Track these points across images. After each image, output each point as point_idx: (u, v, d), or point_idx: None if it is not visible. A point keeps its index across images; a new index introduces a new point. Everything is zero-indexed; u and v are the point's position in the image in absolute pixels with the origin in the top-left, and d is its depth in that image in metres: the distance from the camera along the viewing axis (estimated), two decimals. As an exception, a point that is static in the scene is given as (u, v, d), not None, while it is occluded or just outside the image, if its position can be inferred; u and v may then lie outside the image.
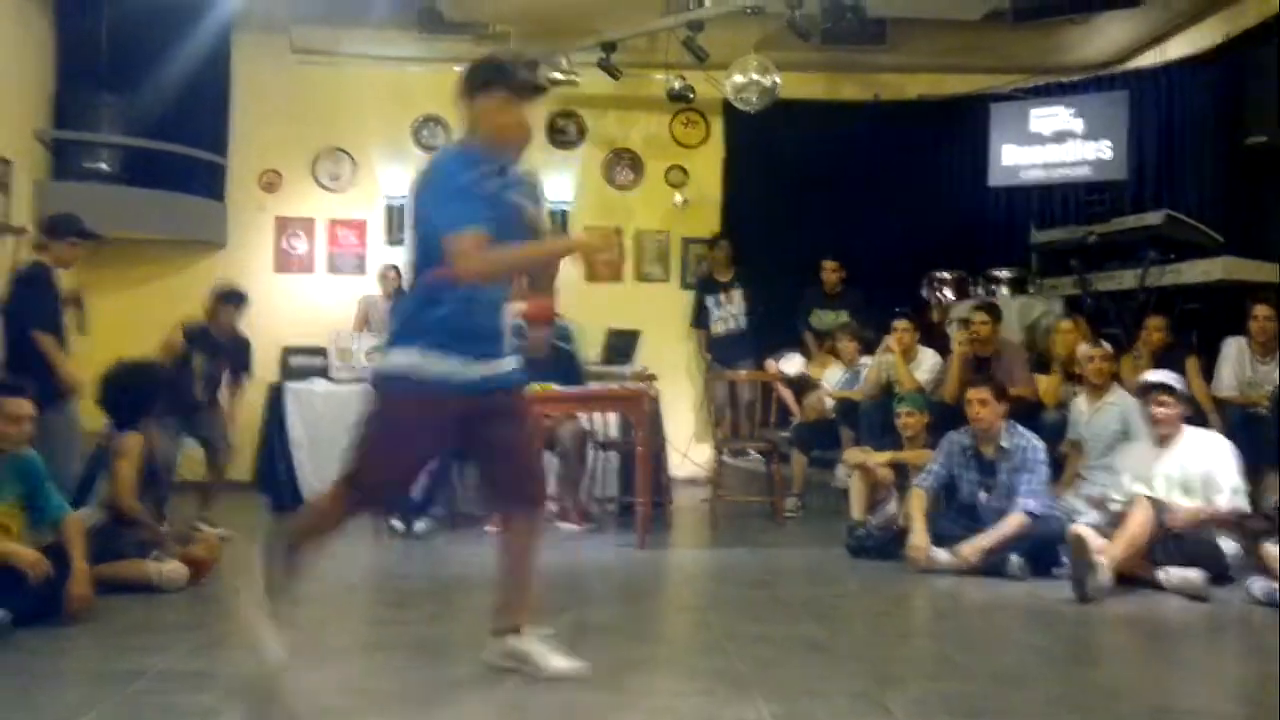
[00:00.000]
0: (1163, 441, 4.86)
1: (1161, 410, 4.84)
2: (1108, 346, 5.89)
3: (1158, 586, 4.60)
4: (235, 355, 6.42)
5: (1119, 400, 5.61)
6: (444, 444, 3.36)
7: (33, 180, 7.96)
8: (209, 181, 8.92)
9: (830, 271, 8.29)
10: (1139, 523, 4.61)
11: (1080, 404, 5.82)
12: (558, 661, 3.19)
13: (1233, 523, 4.71)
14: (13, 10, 7.70)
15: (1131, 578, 4.63)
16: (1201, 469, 4.78)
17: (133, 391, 5.00)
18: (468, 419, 3.09)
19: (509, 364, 3.21)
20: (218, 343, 6.31)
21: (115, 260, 7.97)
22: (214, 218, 8.97)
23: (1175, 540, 4.65)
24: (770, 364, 8.00)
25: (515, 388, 3.26)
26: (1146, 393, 4.92)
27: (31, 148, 7.98)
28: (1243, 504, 4.71)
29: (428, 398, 3.02)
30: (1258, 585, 4.39)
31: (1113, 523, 4.81)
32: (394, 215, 9.18)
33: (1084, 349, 5.94)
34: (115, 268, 8.28)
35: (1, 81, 7.30)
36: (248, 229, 9.14)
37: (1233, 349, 6.10)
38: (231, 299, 6.39)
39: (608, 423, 7.00)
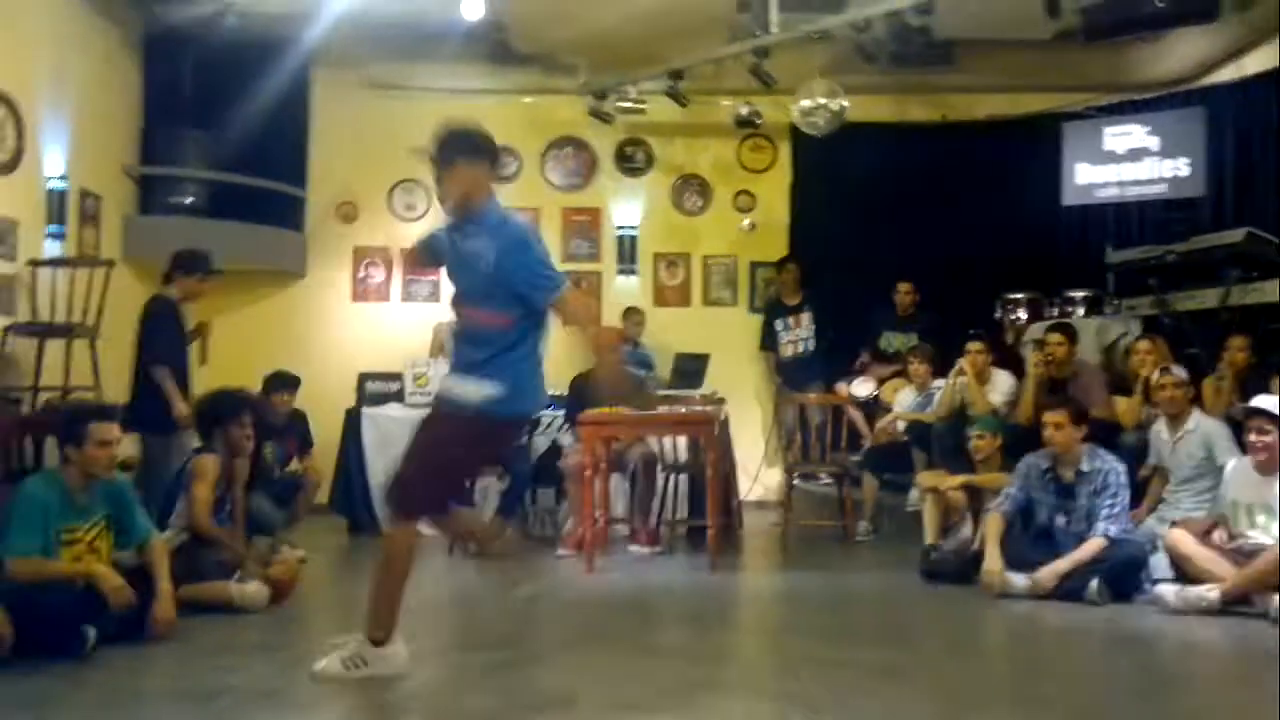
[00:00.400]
0: (1263, 469, 4.72)
1: (1261, 439, 4.69)
2: (1179, 373, 5.69)
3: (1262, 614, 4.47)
4: (298, 431, 6.54)
5: (1199, 426, 5.44)
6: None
7: (121, 214, 8.24)
8: (289, 213, 9.16)
9: (905, 294, 8.24)
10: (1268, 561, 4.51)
11: (1161, 431, 5.65)
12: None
13: None
14: (103, 51, 8.01)
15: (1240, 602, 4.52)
16: None
17: (213, 410, 5.16)
18: None
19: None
20: (275, 426, 6.42)
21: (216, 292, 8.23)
22: (294, 248, 9.20)
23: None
24: (841, 387, 7.96)
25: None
26: (1247, 419, 4.78)
27: (120, 182, 8.26)
28: None
29: None
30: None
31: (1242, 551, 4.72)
32: (466, 243, 9.32)
33: (1155, 377, 5.79)
34: (201, 299, 8.53)
35: (91, 119, 7.58)
36: (326, 259, 9.35)
37: (1320, 368, 5.92)
38: (284, 385, 6.50)
39: (677, 446, 7.02)
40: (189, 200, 8.51)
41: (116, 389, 6.18)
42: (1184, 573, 4.74)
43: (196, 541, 4.81)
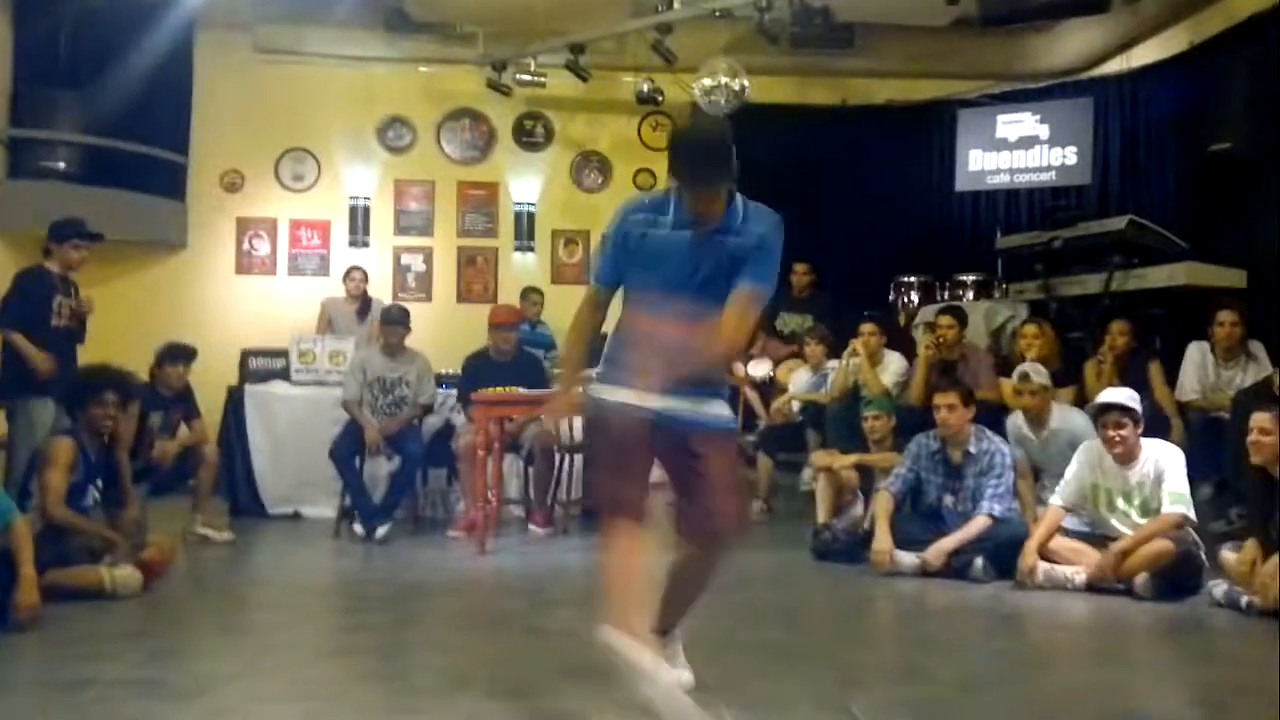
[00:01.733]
0: (1121, 460, 4.84)
1: (1118, 433, 4.79)
2: (1038, 378, 5.53)
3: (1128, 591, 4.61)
4: (186, 405, 6.29)
5: (1066, 423, 5.48)
6: None
7: (-12, 178, 7.83)
8: (169, 181, 8.80)
9: (800, 275, 8.27)
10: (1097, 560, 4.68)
11: (1023, 427, 5.57)
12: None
13: (1177, 529, 4.66)
14: (-32, 5, 7.57)
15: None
16: (1155, 482, 4.75)
17: (73, 388, 4.89)
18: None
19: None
20: (168, 400, 6.17)
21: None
22: (174, 218, 8.85)
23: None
24: (739, 367, 7.96)
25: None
26: (1102, 414, 4.87)
27: (-13, 145, 7.85)
28: (1183, 510, 4.67)
29: None
30: (1219, 589, 4.40)
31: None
32: (358, 216, 9.09)
33: (1014, 381, 5.69)
34: (82, 266, 8.15)
35: (-44, 77, 7.17)
36: (208, 230, 9.02)
37: (1196, 354, 6.12)
38: (180, 357, 6.24)
39: (573, 426, 6.94)
40: (61, 165, 8.13)
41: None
42: (1050, 559, 4.86)
43: (56, 525, 4.56)
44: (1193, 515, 4.68)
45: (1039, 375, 5.58)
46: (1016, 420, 5.62)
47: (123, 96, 8.15)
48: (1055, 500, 4.99)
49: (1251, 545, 4.33)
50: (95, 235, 6.00)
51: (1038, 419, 5.53)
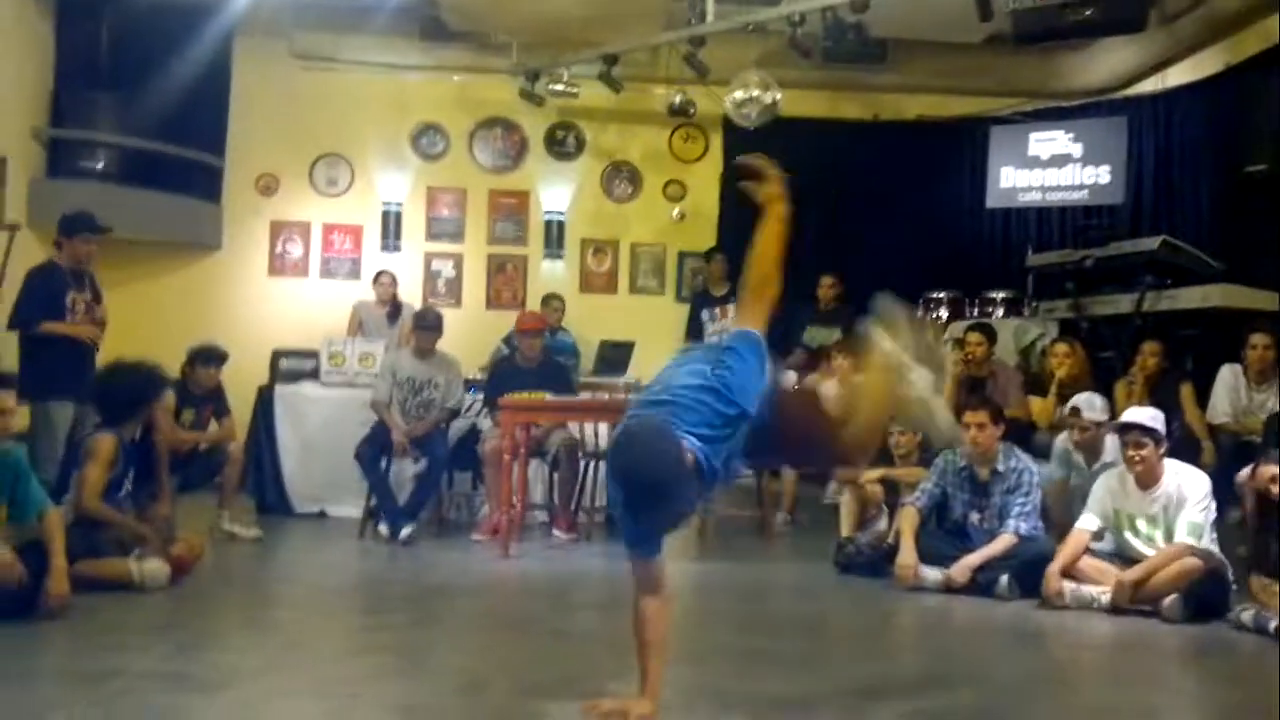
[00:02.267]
0: (1142, 481, 4.79)
1: (1139, 454, 4.73)
2: (1092, 414, 5.33)
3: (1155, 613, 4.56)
4: (217, 403, 6.37)
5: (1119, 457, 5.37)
6: None
7: (28, 178, 7.94)
8: (205, 184, 8.91)
9: (827, 287, 8.26)
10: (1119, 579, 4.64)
11: (1074, 455, 5.46)
12: None
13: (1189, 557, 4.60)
14: (13, 7, 7.70)
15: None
16: (1176, 506, 4.70)
17: (124, 390, 4.95)
18: None
19: None
20: (199, 398, 6.25)
21: (108, 260, 7.91)
22: (209, 220, 8.95)
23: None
24: (764, 380, 7.96)
25: None
26: (1123, 433, 4.83)
27: (27, 145, 7.96)
28: (1192, 542, 4.61)
29: None
30: (1246, 613, 4.35)
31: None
32: (390, 221, 9.16)
33: (1067, 414, 5.52)
34: (108, 268, 8.20)
35: (-1, 78, 7.29)
36: (243, 232, 9.12)
37: (1228, 376, 6.07)
38: (212, 360, 6.30)
39: (599, 433, 6.96)
40: (100, 165, 8.24)
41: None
42: (1075, 579, 4.82)
43: (91, 520, 4.63)
44: (1204, 547, 4.60)
45: (1092, 411, 5.39)
46: (1067, 444, 5.49)
47: (162, 100, 8.26)
48: (1081, 524, 4.95)
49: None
50: (104, 228, 6.00)
51: (1090, 450, 5.40)
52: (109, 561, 4.50)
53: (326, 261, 9.20)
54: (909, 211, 9.08)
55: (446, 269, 9.34)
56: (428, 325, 6.70)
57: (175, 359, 6.12)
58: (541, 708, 3.02)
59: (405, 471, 6.72)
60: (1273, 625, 4.17)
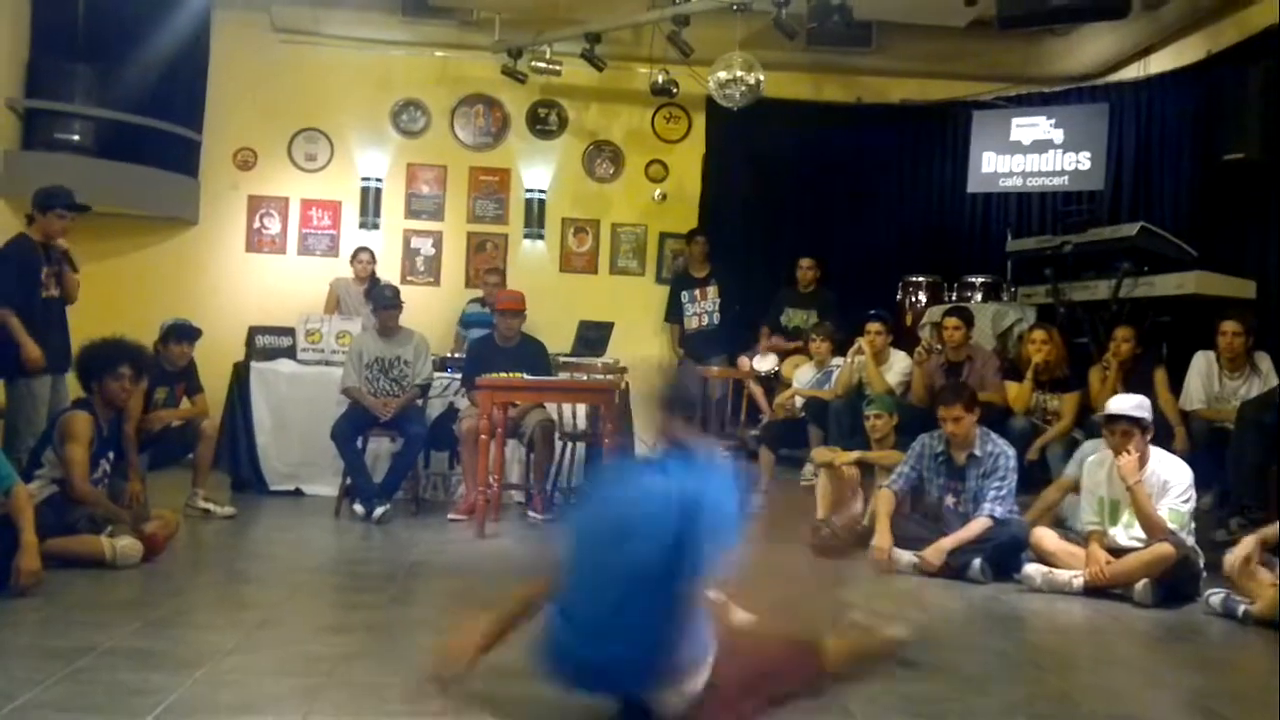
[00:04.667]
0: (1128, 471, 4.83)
1: (1127, 443, 4.72)
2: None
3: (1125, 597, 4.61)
4: (189, 379, 6.32)
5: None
6: None
7: (2, 149, 7.84)
8: (183, 157, 8.80)
9: (806, 269, 8.27)
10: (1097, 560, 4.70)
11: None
12: None
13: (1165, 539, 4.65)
14: (-14, -25, 7.59)
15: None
16: (1159, 495, 4.74)
17: (89, 362, 4.91)
18: None
19: None
20: (172, 374, 6.20)
21: (83, 234, 7.82)
22: (186, 194, 8.86)
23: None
24: (744, 361, 7.98)
25: None
26: (1110, 423, 4.86)
27: (2, 116, 7.85)
28: (1176, 528, 4.63)
29: None
30: (1216, 597, 4.40)
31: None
32: (369, 197, 9.09)
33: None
34: (83, 241, 8.10)
35: (-27, 47, 7.18)
36: (220, 207, 9.03)
37: (1202, 363, 6.11)
38: (185, 336, 6.25)
39: (576, 414, 6.96)
40: (75, 138, 8.12)
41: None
42: (1049, 563, 4.86)
43: (65, 495, 4.59)
44: (1180, 537, 4.65)
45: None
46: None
47: (139, 72, 8.16)
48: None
49: (1247, 542, 4.36)
50: (82, 206, 5.91)
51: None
52: (81, 538, 4.48)
53: (304, 238, 9.13)
54: (890, 195, 9.08)
55: (426, 247, 9.28)
56: (386, 303, 6.66)
57: (149, 335, 6.06)
58: (517, 688, 3.01)
59: (381, 450, 6.71)
60: (1240, 610, 4.22)
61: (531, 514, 6.42)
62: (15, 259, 5.69)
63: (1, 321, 5.51)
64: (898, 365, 6.82)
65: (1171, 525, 4.64)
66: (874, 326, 6.79)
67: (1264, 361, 6.00)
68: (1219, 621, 4.29)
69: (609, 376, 6.72)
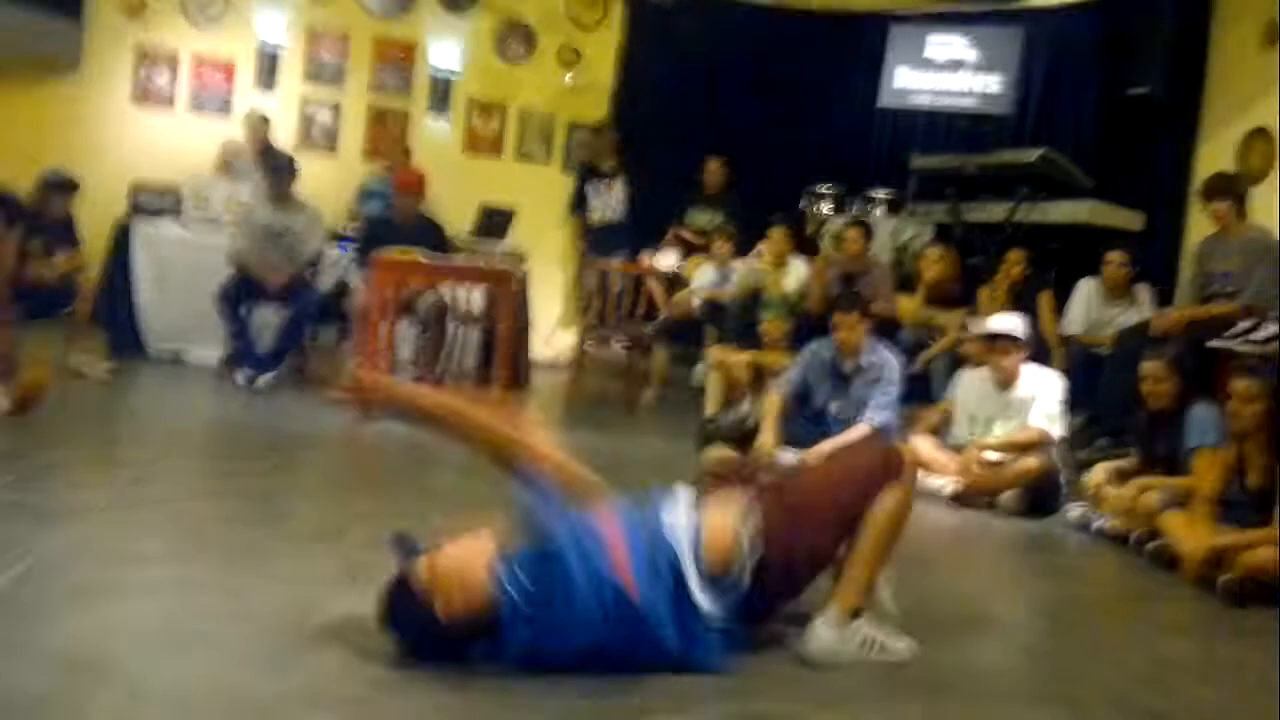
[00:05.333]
0: (1003, 385, 5.02)
1: (1004, 360, 4.94)
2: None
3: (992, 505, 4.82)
4: (66, 232, 6.03)
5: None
6: None
7: None
8: (64, -3, 8.24)
9: (713, 171, 8.22)
10: (970, 465, 4.90)
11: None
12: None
13: (1042, 445, 4.87)
14: None
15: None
16: (1030, 403, 4.95)
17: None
18: None
19: None
20: (49, 227, 5.89)
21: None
22: (67, 38, 8.31)
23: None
24: (645, 257, 7.96)
25: None
26: (990, 341, 5.03)
27: None
28: (1051, 429, 4.86)
29: None
30: (1074, 512, 4.62)
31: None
32: (265, 59, 8.68)
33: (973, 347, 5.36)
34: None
35: None
36: (104, 54, 8.50)
37: (1084, 290, 6.32)
38: (62, 188, 5.94)
39: (472, 298, 6.87)
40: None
41: None
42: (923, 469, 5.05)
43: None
44: (1057, 433, 4.87)
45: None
46: (976, 378, 5.18)
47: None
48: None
49: (1101, 469, 4.60)
50: None
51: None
52: (-56, 387, 4.28)
53: (195, 94, 8.68)
54: (802, 102, 9.04)
55: (323, 115, 8.94)
56: (280, 171, 6.44)
57: (25, 182, 5.76)
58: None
59: (267, 321, 6.53)
60: (1095, 525, 4.45)
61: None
62: None
63: None
64: (796, 272, 6.89)
65: (1044, 424, 4.84)
66: (776, 232, 6.83)
67: (1143, 293, 6.23)
68: (1076, 534, 4.51)
69: (508, 264, 6.63)
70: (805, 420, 5.46)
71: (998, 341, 4.96)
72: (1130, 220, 7.09)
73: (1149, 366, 4.44)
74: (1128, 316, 6.12)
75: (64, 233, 6.02)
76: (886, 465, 2.58)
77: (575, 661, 2.22)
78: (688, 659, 2.32)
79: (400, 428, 5.45)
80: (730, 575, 2.39)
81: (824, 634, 2.53)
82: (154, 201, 7.01)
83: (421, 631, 2.22)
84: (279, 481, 4.02)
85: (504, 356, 5.96)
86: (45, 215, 5.85)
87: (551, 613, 2.18)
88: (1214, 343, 5.24)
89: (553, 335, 8.51)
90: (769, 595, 2.50)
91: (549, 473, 2.38)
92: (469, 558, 2.24)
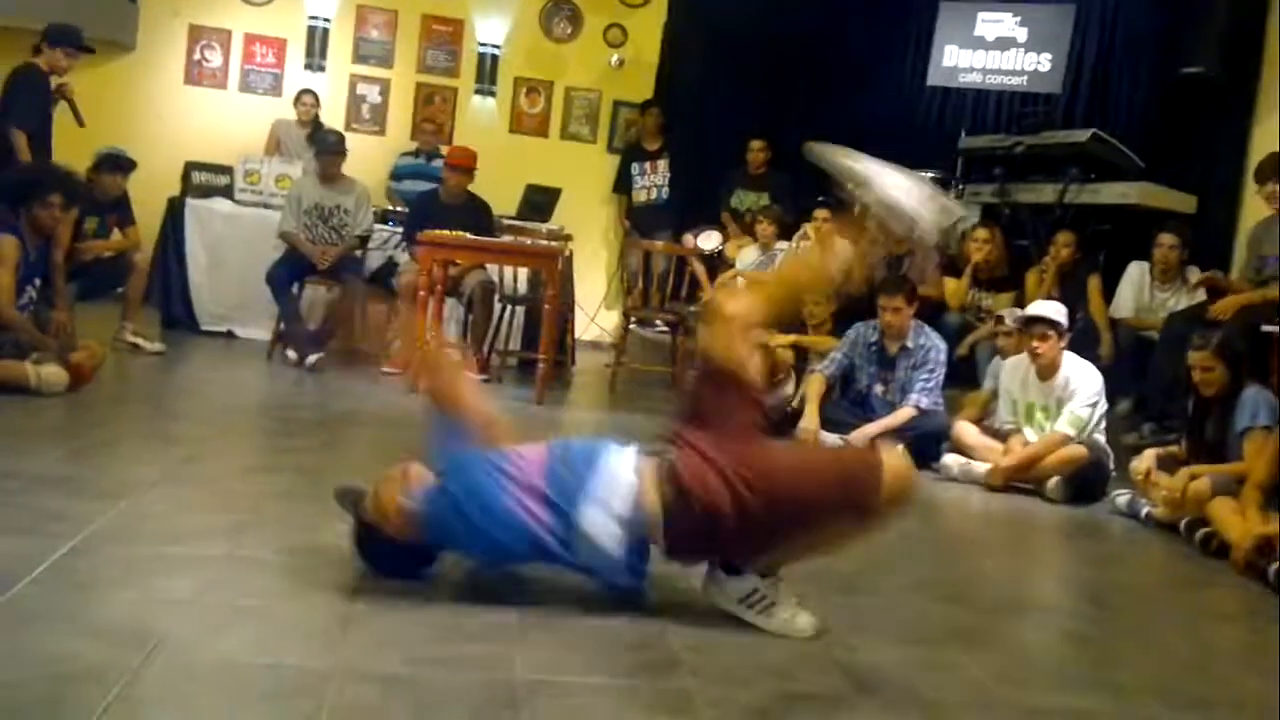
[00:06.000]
0: (1043, 373, 4.96)
1: (1041, 345, 4.86)
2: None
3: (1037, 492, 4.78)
4: (121, 211, 6.14)
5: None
6: None
7: (-75, -50, 7.38)
8: (120, -24, 8.37)
9: (757, 151, 8.19)
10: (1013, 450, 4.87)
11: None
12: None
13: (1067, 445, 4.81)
14: None
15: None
16: (1071, 394, 4.88)
17: (17, 188, 4.75)
18: None
19: None
20: (104, 205, 6.01)
21: (9, 51, 7.46)
22: (124, 17, 8.45)
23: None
24: (688, 238, 7.94)
25: None
26: (1028, 325, 4.96)
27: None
28: (1070, 431, 4.77)
29: None
30: (1122, 498, 4.58)
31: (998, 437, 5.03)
32: (316, 37, 8.76)
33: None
34: (9, 59, 7.75)
35: None
36: (159, 34, 8.64)
37: (1135, 273, 6.23)
38: (118, 167, 6.06)
39: (518, 277, 6.92)
40: (8, -54, 7.66)
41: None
42: (968, 455, 5.02)
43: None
44: (1085, 439, 4.80)
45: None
46: (1020, 364, 5.10)
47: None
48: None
49: (1149, 455, 4.54)
50: (88, 48, 6.27)
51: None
52: (5, 364, 4.40)
53: (247, 74, 8.79)
54: (850, 81, 8.93)
55: (372, 94, 9.01)
56: (329, 149, 6.51)
57: (80, 161, 5.87)
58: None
59: (317, 298, 6.63)
60: (1143, 512, 4.40)
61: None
62: (26, 85, 5.99)
63: (11, 140, 5.74)
64: (842, 254, 6.84)
65: (1069, 429, 4.80)
66: (822, 213, 6.79)
67: (1195, 276, 6.13)
68: (1123, 521, 4.47)
69: (553, 243, 6.66)
70: (849, 403, 5.46)
71: (1035, 326, 4.90)
72: (1182, 202, 6.96)
73: (1197, 356, 4.38)
74: (1178, 300, 6.02)
75: (119, 211, 6.13)
76: (856, 499, 2.44)
77: (505, 556, 2.57)
78: (590, 572, 2.55)
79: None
80: (638, 515, 2.49)
81: (719, 575, 2.59)
82: (207, 180, 7.13)
83: (387, 555, 2.60)
84: (328, 458, 4.08)
85: (548, 335, 6.00)
86: (101, 193, 5.96)
87: (468, 520, 2.46)
88: (1268, 327, 5.15)
89: (598, 315, 8.54)
90: (685, 547, 2.56)
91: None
92: (393, 486, 2.55)
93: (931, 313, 6.06)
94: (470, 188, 6.66)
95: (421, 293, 5.85)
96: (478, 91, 9.07)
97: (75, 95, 6.25)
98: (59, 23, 6.14)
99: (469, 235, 6.04)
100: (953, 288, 6.49)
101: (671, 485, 2.49)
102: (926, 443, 5.10)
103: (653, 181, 8.54)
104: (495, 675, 2.16)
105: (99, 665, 1.97)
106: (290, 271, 6.28)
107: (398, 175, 8.15)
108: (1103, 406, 4.93)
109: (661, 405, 6.35)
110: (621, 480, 2.52)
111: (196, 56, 8.72)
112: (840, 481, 2.48)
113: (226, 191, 7.08)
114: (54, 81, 6.09)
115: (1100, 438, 4.89)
